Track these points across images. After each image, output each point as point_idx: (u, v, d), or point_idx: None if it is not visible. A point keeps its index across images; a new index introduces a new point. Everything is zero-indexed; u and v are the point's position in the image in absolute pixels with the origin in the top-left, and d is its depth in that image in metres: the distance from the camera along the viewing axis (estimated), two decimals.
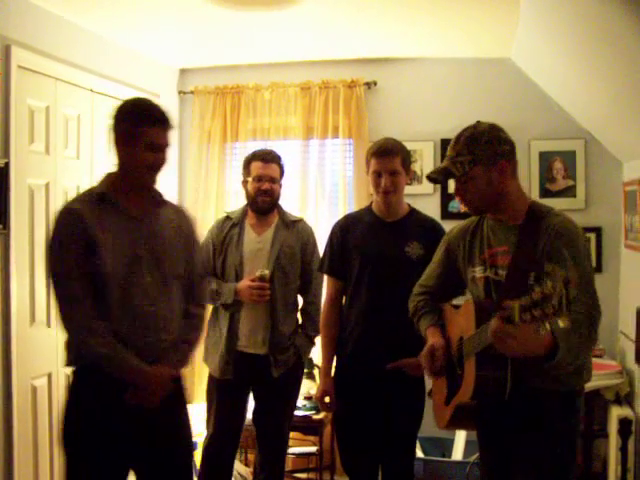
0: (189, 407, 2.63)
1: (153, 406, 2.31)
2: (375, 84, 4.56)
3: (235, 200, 4.66)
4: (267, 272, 3.23)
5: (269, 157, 3.38)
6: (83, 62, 3.72)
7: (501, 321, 1.88)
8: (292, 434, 4.21)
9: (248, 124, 4.70)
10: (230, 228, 3.40)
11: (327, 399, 3.15)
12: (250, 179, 3.36)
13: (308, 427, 4.12)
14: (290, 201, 4.63)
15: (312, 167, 4.65)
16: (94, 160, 3.86)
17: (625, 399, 3.80)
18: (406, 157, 3.04)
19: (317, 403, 3.55)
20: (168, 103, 4.69)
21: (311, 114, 4.61)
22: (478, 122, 2.30)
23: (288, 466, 4.41)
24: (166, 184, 4.59)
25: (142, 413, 2.30)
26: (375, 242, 3.03)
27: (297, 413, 4.09)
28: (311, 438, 4.26)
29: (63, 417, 2.35)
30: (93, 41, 3.86)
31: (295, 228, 3.43)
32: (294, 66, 4.64)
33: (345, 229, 3.15)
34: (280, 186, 3.42)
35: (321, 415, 4.05)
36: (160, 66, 4.67)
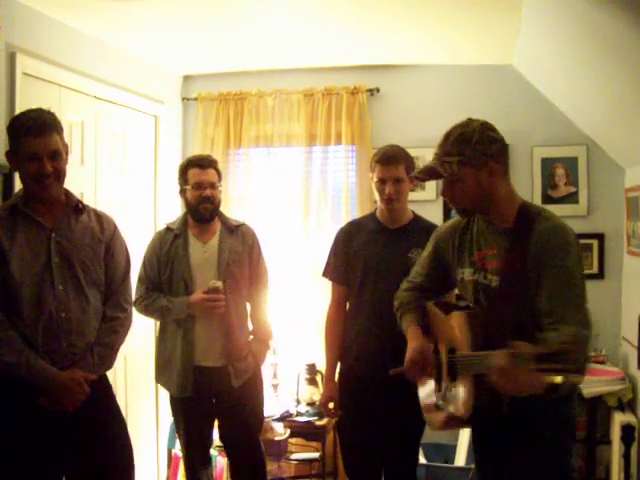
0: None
1: (68, 410, 2.36)
2: (378, 91, 4.58)
3: (239, 206, 4.68)
4: (220, 283, 3.13)
5: (206, 162, 3.28)
6: (87, 69, 3.74)
7: (510, 360, 1.81)
8: (294, 440, 4.22)
9: (251, 131, 4.71)
10: (173, 240, 3.27)
11: (331, 405, 3.15)
12: (189, 187, 3.24)
13: (311, 433, 4.12)
14: (293, 208, 4.66)
15: (315, 174, 4.65)
16: (98, 166, 3.87)
17: (628, 405, 3.79)
18: (410, 164, 3.05)
19: (321, 409, 3.56)
20: (172, 109, 4.72)
21: (314, 121, 4.61)
22: (469, 119, 2.22)
23: (291, 472, 4.42)
24: (169, 190, 4.63)
25: (64, 419, 2.36)
26: (378, 249, 3.04)
27: (300, 419, 4.11)
28: (314, 444, 4.26)
29: None
30: (97, 48, 3.87)
31: (239, 232, 3.34)
32: (297, 73, 4.65)
33: (348, 236, 3.16)
34: (220, 191, 3.32)
35: (324, 421, 4.05)
36: (164, 73, 4.69)
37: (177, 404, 3.30)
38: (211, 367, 3.21)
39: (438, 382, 2.33)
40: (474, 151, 2.12)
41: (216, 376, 3.21)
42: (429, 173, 2.27)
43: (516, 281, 2.09)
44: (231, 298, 3.20)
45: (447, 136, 2.20)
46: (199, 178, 3.23)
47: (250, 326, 3.41)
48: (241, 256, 3.29)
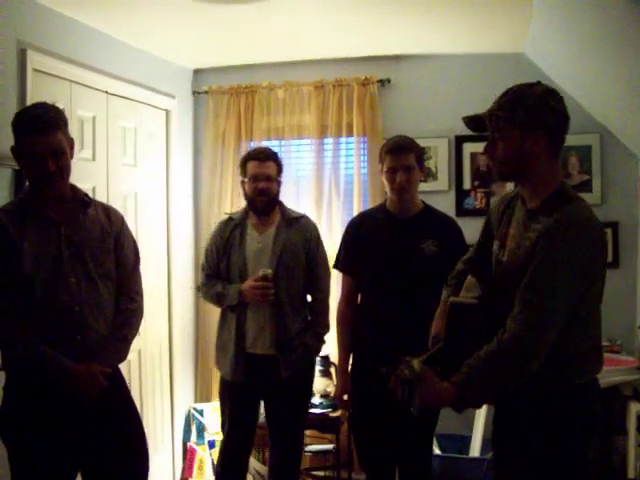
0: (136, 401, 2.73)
1: (85, 402, 2.37)
2: (389, 81, 4.55)
3: None
4: (270, 271, 3.18)
5: (263, 155, 3.34)
6: (98, 64, 3.75)
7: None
8: (309, 432, 4.23)
9: (262, 123, 4.71)
10: (233, 229, 3.37)
11: (345, 397, 3.15)
12: (247, 179, 3.33)
13: (325, 425, 4.13)
14: (305, 199, 4.65)
15: (326, 165, 4.64)
16: (110, 161, 3.88)
17: None
18: (420, 153, 3.06)
19: (335, 401, 3.56)
20: (183, 103, 4.73)
21: (325, 112, 4.60)
22: (538, 82, 2.06)
23: (305, 464, 4.43)
24: (181, 184, 4.64)
25: (79, 411, 2.37)
26: (389, 239, 3.04)
27: (314, 411, 4.12)
28: (328, 436, 4.27)
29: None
30: (107, 43, 3.88)
31: (298, 225, 3.39)
32: (307, 65, 4.64)
33: (359, 227, 3.17)
34: (279, 184, 3.38)
35: (338, 413, 4.06)
36: (174, 67, 4.69)
37: (227, 388, 3.37)
38: (261, 355, 3.25)
39: None
40: (526, 114, 1.97)
41: (265, 365, 3.24)
42: (475, 120, 2.11)
43: (518, 267, 1.99)
44: (284, 288, 3.25)
45: (507, 90, 2.06)
46: (255, 171, 3.31)
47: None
48: (296, 247, 3.33)
